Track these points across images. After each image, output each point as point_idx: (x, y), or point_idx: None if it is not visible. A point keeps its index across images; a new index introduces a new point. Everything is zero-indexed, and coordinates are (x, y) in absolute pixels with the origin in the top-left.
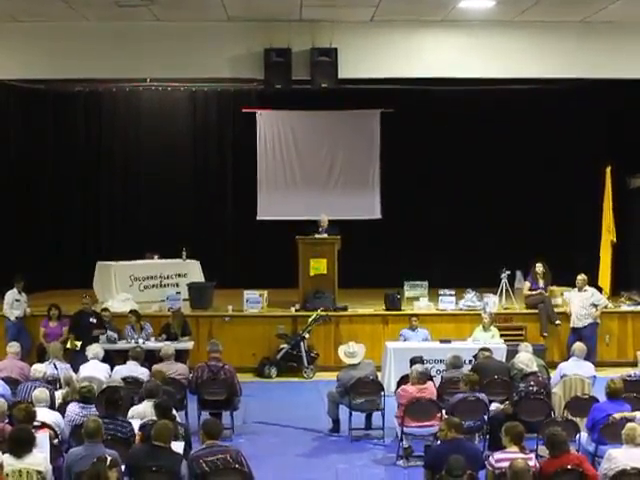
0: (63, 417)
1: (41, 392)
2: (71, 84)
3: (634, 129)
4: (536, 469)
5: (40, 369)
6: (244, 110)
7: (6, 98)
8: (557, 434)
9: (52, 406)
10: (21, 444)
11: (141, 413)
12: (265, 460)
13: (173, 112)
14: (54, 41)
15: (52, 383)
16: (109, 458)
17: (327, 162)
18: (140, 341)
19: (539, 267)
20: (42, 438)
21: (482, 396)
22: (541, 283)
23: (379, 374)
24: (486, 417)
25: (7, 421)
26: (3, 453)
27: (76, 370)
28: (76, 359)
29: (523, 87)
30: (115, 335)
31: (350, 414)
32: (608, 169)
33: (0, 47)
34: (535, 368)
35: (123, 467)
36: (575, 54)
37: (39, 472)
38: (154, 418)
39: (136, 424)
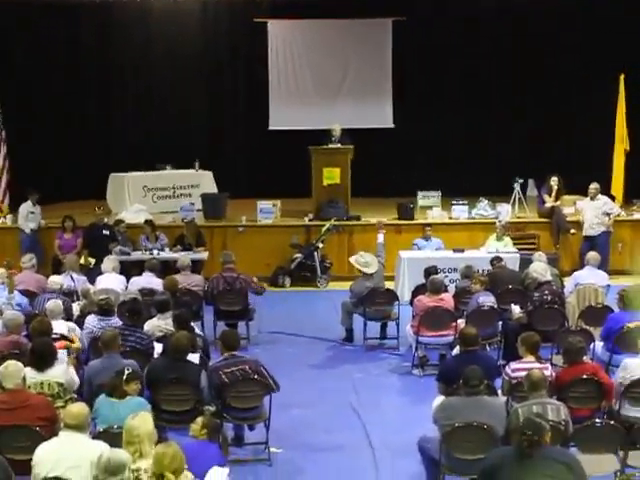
0: (81, 329)
1: (55, 304)
2: None
3: None
4: (552, 378)
5: (57, 281)
6: (256, 20)
7: (15, 11)
8: (573, 343)
9: (69, 318)
10: (43, 357)
11: (155, 327)
12: (281, 370)
13: (184, 23)
14: None
15: (69, 295)
16: (128, 370)
17: (339, 71)
18: (155, 252)
19: (554, 181)
20: (61, 352)
21: (492, 300)
22: (553, 196)
23: (392, 283)
24: (500, 326)
25: (25, 334)
26: (25, 366)
27: (92, 283)
28: (91, 273)
29: None
30: (129, 247)
31: (365, 324)
32: (622, 77)
33: None
34: (549, 277)
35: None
36: None
37: (60, 384)
38: (169, 328)
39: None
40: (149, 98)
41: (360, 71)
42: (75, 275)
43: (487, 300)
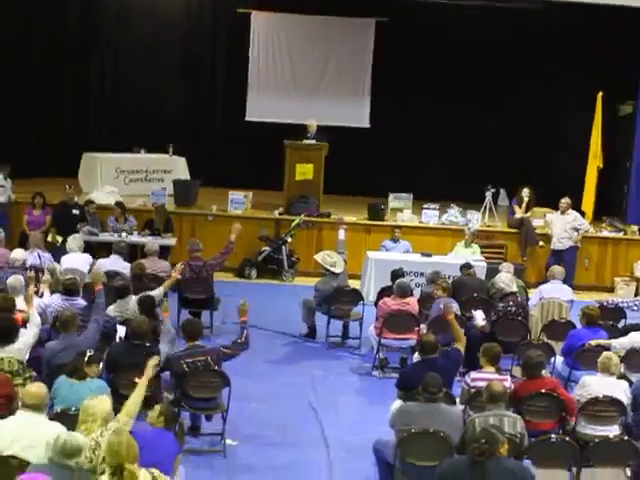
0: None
1: (17, 280)
2: None
3: (627, 57)
4: (510, 390)
5: (19, 257)
6: (239, 10)
7: None
8: (532, 357)
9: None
10: (4, 333)
11: (116, 312)
12: (241, 362)
13: (168, 10)
14: None
15: (35, 272)
16: (89, 353)
17: (319, 68)
18: (123, 234)
19: (525, 192)
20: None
21: (456, 307)
22: (523, 208)
23: (358, 282)
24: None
25: None
26: None
27: (58, 261)
28: (57, 252)
29: (519, 6)
30: (98, 228)
31: (328, 322)
32: (599, 95)
33: None
34: (515, 289)
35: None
36: None
37: (20, 362)
38: (129, 313)
39: None
40: (128, 81)
41: (340, 69)
42: (41, 252)
43: None
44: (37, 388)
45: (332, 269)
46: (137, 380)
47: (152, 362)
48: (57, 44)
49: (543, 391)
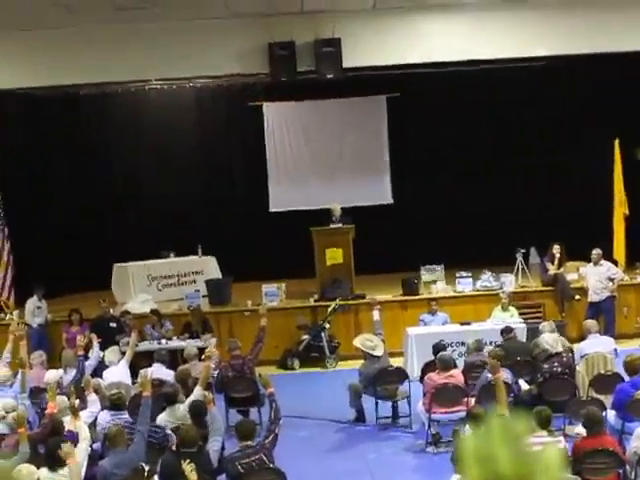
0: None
1: (62, 401)
2: (74, 88)
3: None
4: (566, 449)
5: (52, 377)
6: (251, 104)
7: (10, 107)
8: (596, 413)
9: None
10: (56, 457)
11: (165, 420)
12: (294, 454)
13: (180, 109)
14: (56, 48)
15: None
16: (146, 467)
17: (336, 150)
18: (163, 341)
19: (556, 249)
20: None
21: (506, 376)
22: (555, 264)
23: (400, 360)
24: (511, 398)
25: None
26: (38, 468)
27: (99, 376)
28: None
29: (530, 65)
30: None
31: (376, 403)
32: (616, 142)
33: (2, 55)
34: (560, 349)
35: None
36: (577, 29)
37: None
38: (179, 421)
39: None
40: (148, 186)
41: (357, 149)
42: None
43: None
44: None
45: (372, 352)
46: None
47: (190, 471)
48: (74, 159)
49: (601, 448)
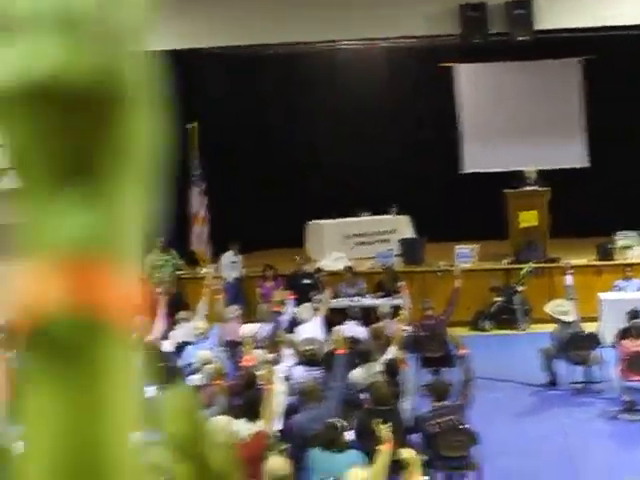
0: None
1: (258, 354)
2: (262, 48)
3: None
4: None
5: (248, 331)
6: (441, 65)
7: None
8: None
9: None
10: (253, 408)
11: (360, 377)
12: (489, 415)
13: (369, 71)
14: (249, 7)
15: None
16: (340, 424)
17: (528, 112)
18: (356, 299)
19: None
20: None
21: None
22: None
23: (594, 324)
24: None
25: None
26: (236, 418)
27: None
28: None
29: None
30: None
31: (569, 369)
32: None
33: (201, 15)
34: None
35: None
36: None
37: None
38: (372, 378)
39: None
40: (341, 147)
41: (551, 112)
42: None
43: None
44: (280, 464)
45: (564, 318)
46: (380, 448)
47: (384, 431)
48: (265, 115)
49: None
